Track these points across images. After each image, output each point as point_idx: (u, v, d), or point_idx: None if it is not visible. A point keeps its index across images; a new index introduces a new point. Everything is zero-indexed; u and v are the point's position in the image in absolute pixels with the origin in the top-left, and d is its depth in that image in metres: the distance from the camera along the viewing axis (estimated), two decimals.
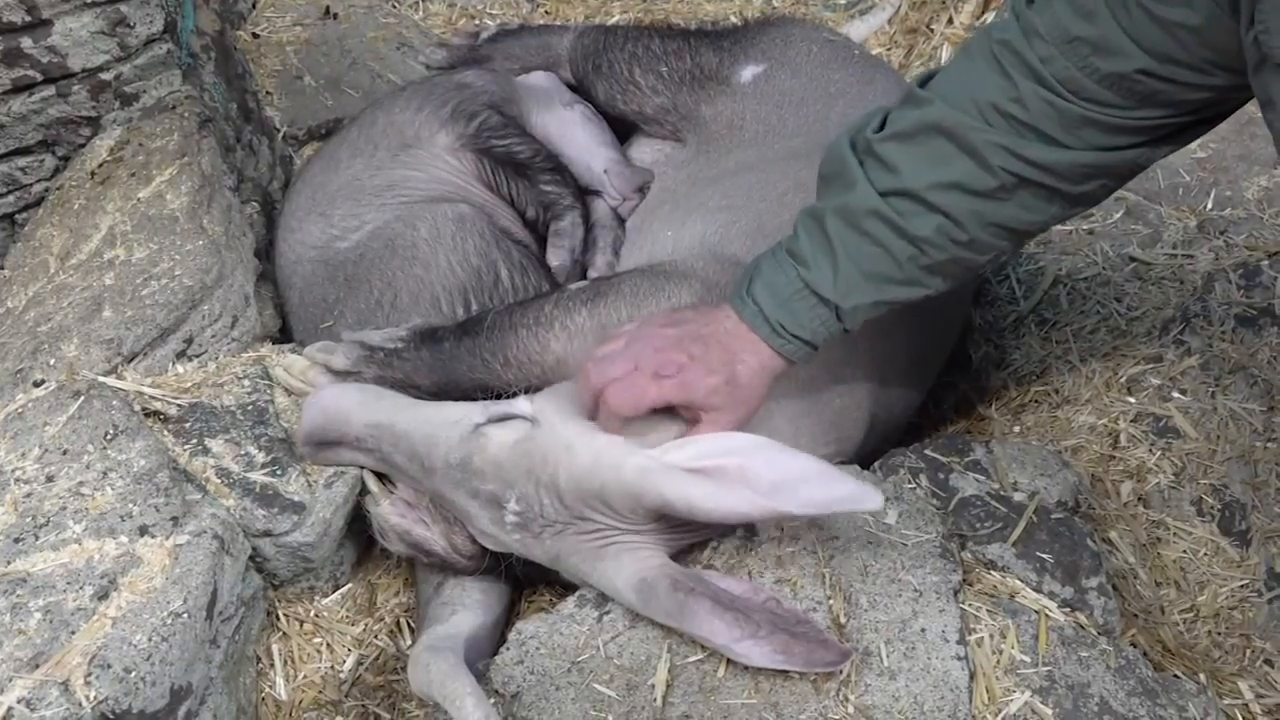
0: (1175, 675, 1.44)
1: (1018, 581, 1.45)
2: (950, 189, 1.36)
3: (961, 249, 1.40)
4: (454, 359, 1.68)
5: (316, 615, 1.70)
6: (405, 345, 1.73)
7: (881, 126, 1.41)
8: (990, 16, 2.90)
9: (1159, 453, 1.71)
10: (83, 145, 2.04)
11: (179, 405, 1.66)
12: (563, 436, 1.47)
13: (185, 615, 1.36)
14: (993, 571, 1.47)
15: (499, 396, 1.60)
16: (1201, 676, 1.47)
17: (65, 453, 1.51)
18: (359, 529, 1.72)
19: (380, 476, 1.68)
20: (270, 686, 1.61)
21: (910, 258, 1.40)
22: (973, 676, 1.32)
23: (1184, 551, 1.64)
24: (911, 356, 1.84)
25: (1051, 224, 1.47)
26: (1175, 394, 1.77)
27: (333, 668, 1.66)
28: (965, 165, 1.35)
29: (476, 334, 1.68)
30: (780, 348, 1.45)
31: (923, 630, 1.35)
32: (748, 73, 2.13)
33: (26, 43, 1.89)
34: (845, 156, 1.42)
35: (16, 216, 2.08)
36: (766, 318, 1.44)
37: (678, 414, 1.46)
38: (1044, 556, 1.48)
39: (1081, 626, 1.42)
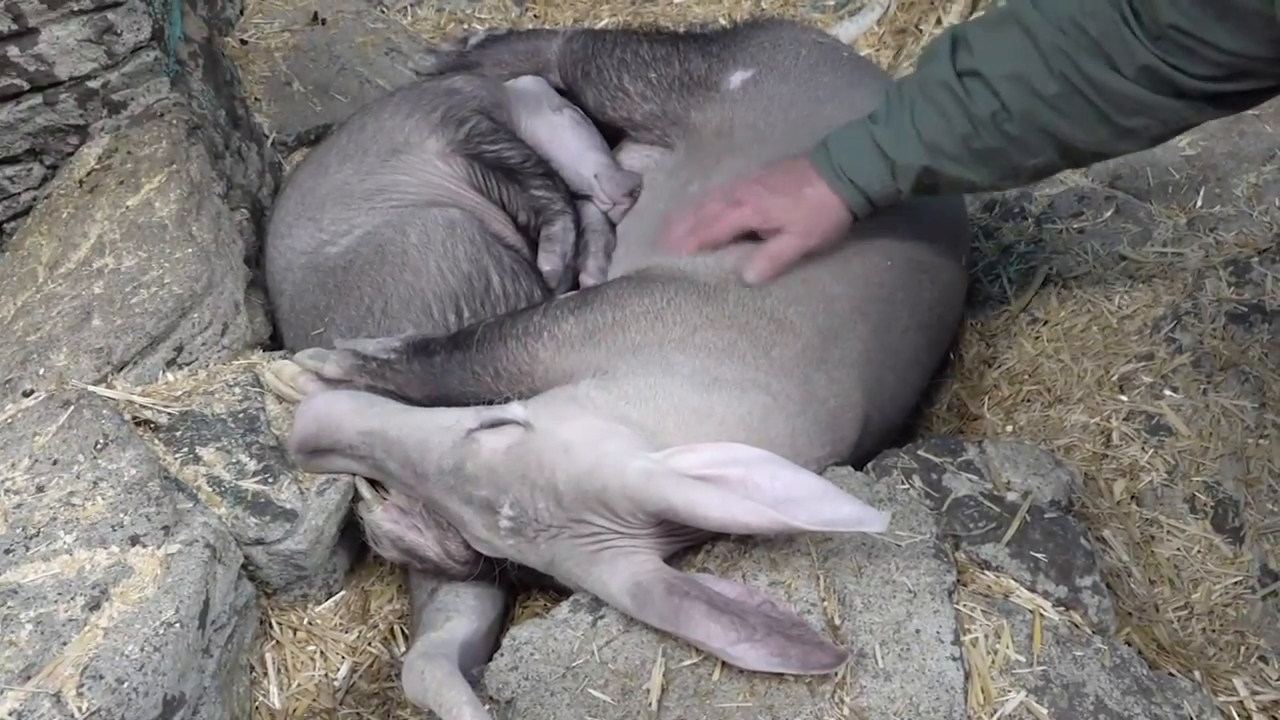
0: (1170, 673, 1.44)
1: (1012, 581, 1.45)
2: (1014, 80, 1.48)
3: (1009, 143, 1.52)
4: (445, 373, 1.69)
5: (310, 623, 1.70)
6: (398, 357, 1.73)
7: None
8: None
9: (1151, 450, 1.72)
10: (71, 154, 2.03)
11: (169, 414, 1.66)
12: (560, 439, 1.47)
13: (177, 625, 1.36)
14: (987, 571, 1.47)
15: (491, 404, 1.60)
16: (1196, 674, 1.47)
17: (55, 463, 1.51)
18: (352, 536, 1.72)
19: (373, 483, 1.68)
20: (264, 695, 1.61)
21: (964, 136, 1.53)
22: (968, 677, 1.32)
23: (1177, 549, 1.64)
24: (906, 358, 1.84)
25: (1097, 151, 1.57)
26: (1167, 391, 1.77)
27: (326, 676, 1.66)
28: (1033, 63, 1.46)
29: (467, 347, 1.68)
30: (838, 189, 1.63)
31: (917, 631, 1.35)
32: (736, 78, 2.13)
33: (13, 51, 1.88)
34: (944, 37, 1.57)
35: (5, 226, 2.08)
36: (832, 162, 1.63)
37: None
38: (1038, 556, 1.48)
39: (1076, 625, 1.42)
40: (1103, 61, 1.42)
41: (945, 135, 1.55)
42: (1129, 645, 1.44)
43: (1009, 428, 1.87)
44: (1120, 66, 1.41)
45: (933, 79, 1.55)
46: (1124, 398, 1.79)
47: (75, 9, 1.89)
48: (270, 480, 1.62)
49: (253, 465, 1.63)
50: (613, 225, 2.16)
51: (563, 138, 2.25)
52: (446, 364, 1.70)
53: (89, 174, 1.98)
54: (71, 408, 1.57)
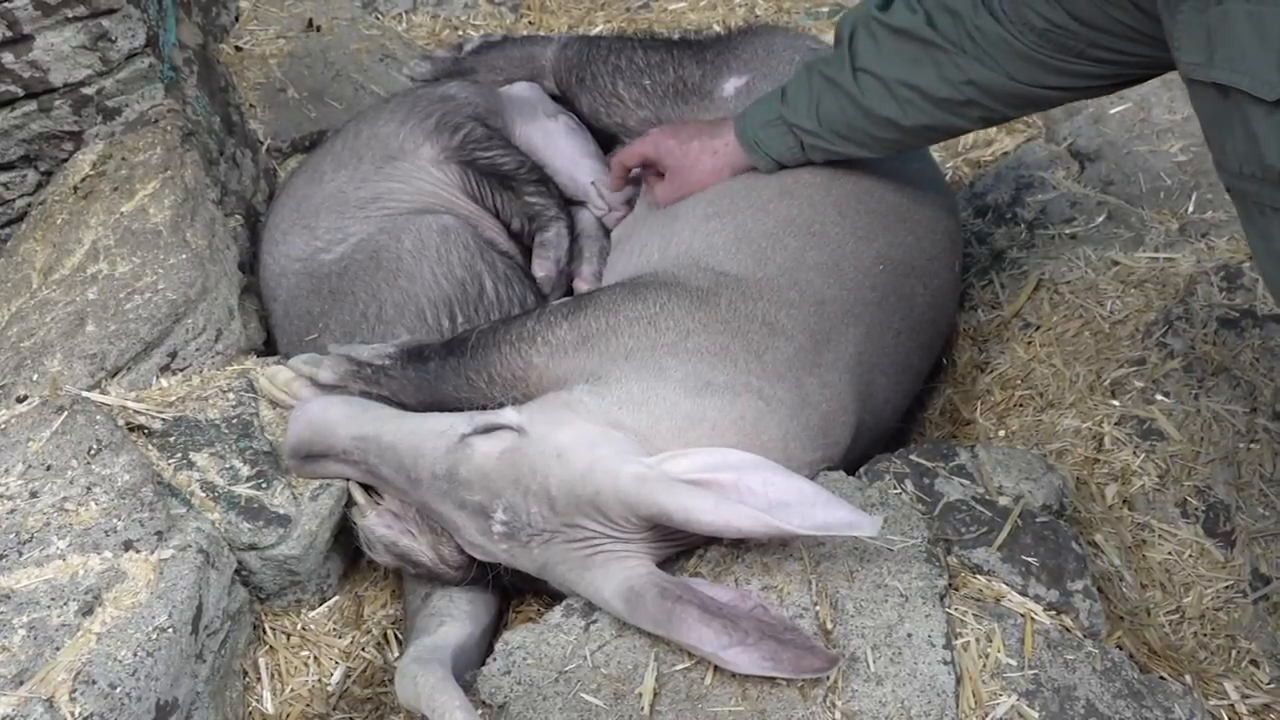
0: (1161, 677, 1.44)
1: (1003, 585, 1.45)
2: (911, 89, 1.67)
3: (901, 133, 1.74)
4: (439, 378, 1.69)
5: (303, 628, 1.70)
6: (392, 363, 1.73)
7: (886, 5, 1.70)
8: None
9: (1143, 455, 1.72)
10: (65, 160, 2.03)
11: (163, 419, 1.66)
12: (554, 444, 1.47)
13: (170, 630, 1.36)
14: (978, 575, 1.47)
15: (485, 409, 1.60)
16: (1187, 677, 1.48)
17: (49, 468, 1.51)
18: (345, 541, 1.72)
19: (366, 488, 1.68)
20: (257, 700, 1.61)
21: (860, 128, 1.75)
22: (959, 680, 1.32)
23: (1169, 553, 1.64)
24: (899, 362, 1.85)
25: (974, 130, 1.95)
26: (1159, 396, 1.78)
27: (320, 681, 1.66)
28: (929, 75, 1.64)
29: (461, 353, 1.69)
30: (756, 158, 1.86)
31: (909, 635, 1.36)
32: (730, 86, 2.13)
33: (8, 58, 1.89)
34: (846, 25, 1.75)
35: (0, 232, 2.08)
36: (749, 134, 1.85)
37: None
38: (1029, 560, 1.48)
39: (1067, 629, 1.42)
40: (987, 66, 1.58)
41: (844, 124, 1.76)
42: (1120, 649, 1.45)
43: (1001, 432, 1.88)
44: (1008, 68, 1.57)
45: (833, 74, 1.74)
46: (1116, 402, 1.80)
47: (70, 16, 1.89)
48: (264, 486, 1.62)
49: (246, 471, 1.63)
50: (607, 231, 2.17)
51: (557, 144, 2.26)
52: (440, 369, 1.70)
53: (83, 180, 1.98)
54: (65, 413, 1.57)
